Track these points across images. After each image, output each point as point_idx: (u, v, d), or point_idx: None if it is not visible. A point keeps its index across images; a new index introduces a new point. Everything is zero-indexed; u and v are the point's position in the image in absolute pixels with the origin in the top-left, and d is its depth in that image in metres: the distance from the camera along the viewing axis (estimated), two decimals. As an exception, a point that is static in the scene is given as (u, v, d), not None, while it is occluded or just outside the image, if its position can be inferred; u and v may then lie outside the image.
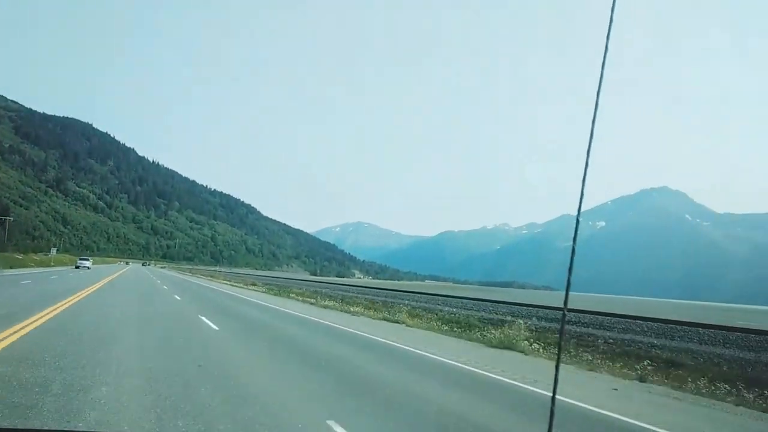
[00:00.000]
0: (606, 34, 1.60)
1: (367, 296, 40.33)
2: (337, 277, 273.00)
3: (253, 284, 54.89)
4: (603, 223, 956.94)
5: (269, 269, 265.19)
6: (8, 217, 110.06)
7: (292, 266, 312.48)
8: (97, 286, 31.25)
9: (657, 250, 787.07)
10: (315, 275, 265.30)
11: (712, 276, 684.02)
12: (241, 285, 52.92)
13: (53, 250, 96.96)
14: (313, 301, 31.57)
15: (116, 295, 25.57)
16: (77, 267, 73.83)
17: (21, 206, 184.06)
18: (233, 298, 32.10)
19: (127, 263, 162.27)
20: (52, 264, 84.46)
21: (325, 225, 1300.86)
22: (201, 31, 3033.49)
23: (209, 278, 73.26)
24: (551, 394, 1.38)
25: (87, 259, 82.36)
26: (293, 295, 36.95)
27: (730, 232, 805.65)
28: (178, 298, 27.19)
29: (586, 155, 1.44)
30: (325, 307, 27.54)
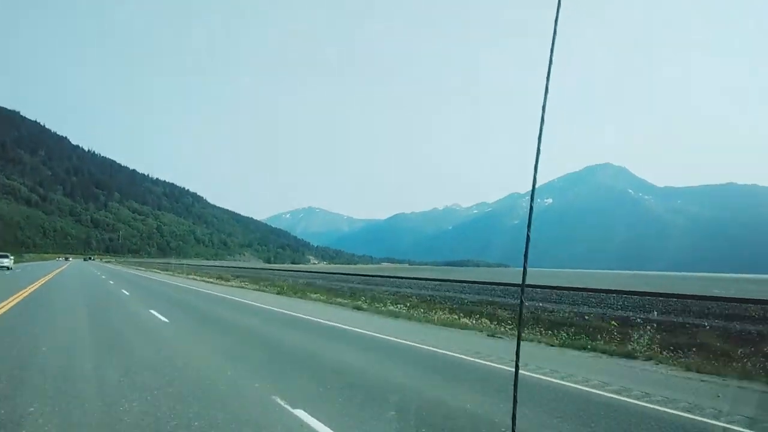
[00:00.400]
0: (554, 18, 1.61)
1: (351, 285, 33.45)
2: (292, 264, 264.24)
3: (226, 279, 45.72)
4: (550, 200, 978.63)
5: (221, 259, 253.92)
6: None
7: (244, 255, 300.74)
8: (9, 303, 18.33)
9: (602, 224, 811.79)
10: (269, 263, 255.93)
11: (653, 247, 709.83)
12: (216, 281, 43.80)
13: None
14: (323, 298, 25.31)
15: (49, 318, 14.92)
16: None
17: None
18: (249, 310, 19.60)
19: (66, 259, 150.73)
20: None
21: (275, 212, 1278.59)
22: (135, 13, 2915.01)
23: (168, 273, 62.63)
24: (514, 369, 1.43)
25: (5, 256, 59.31)
26: (317, 294, 26.89)
27: (670, 204, 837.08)
28: (160, 317, 15.73)
29: (538, 134, 1.44)
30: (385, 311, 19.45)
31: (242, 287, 34.83)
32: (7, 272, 50.86)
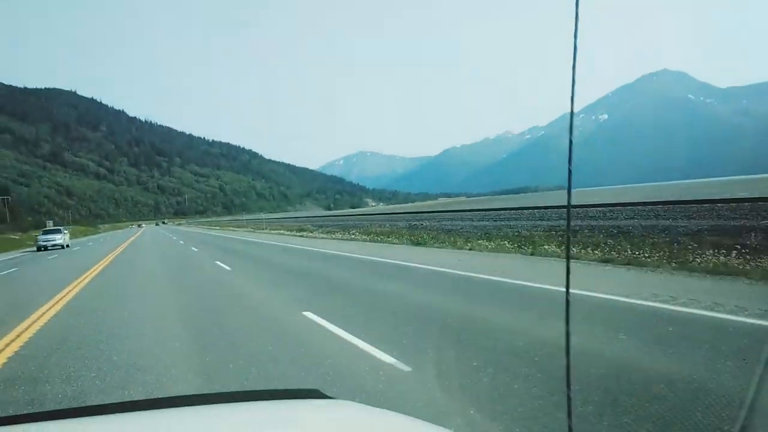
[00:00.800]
0: None
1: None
2: (351, 208, 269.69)
3: (310, 230, 42.37)
4: (605, 116, 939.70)
5: (282, 211, 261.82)
6: (6, 197, 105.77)
7: (304, 205, 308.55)
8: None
9: (663, 135, 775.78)
10: (329, 210, 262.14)
11: (719, 153, 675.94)
12: (308, 234, 39.09)
13: (49, 223, 78.09)
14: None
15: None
16: (40, 248, 41.90)
17: (21, 184, 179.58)
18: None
19: (139, 225, 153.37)
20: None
21: (327, 160, 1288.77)
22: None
23: (247, 230, 58.13)
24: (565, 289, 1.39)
25: (57, 231, 46.66)
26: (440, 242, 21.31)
27: (737, 106, 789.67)
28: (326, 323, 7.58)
29: (573, 46, 1.36)
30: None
31: (353, 239, 28.05)
32: (61, 250, 39.57)
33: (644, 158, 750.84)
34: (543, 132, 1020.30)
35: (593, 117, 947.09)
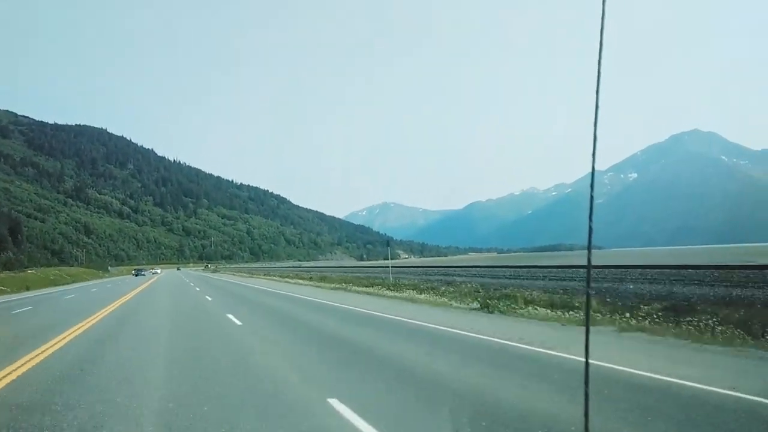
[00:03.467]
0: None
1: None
2: (384, 259, 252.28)
3: (390, 286, 27.87)
4: (635, 175, 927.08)
5: (313, 259, 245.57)
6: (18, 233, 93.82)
7: (334, 254, 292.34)
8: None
9: (695, 196, 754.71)
10: (362, 260, 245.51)
11: (757, 217, 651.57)
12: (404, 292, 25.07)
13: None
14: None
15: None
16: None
17: (36, 219, 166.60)
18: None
19: (154, 272, 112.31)
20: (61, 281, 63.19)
21: (351, 210, 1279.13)
22: (208, 24, 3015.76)
23: (296, 282, 42.67)
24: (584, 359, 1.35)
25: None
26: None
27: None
28: None
29: (595, 104, 1.33)
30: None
31: (403, 297, 22.29)
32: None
33: (675, 219, 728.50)
34: (570, 189, 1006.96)
35: (621, 176, 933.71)
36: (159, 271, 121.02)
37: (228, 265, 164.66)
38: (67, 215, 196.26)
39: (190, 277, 74.17)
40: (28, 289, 52.81)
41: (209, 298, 26.85)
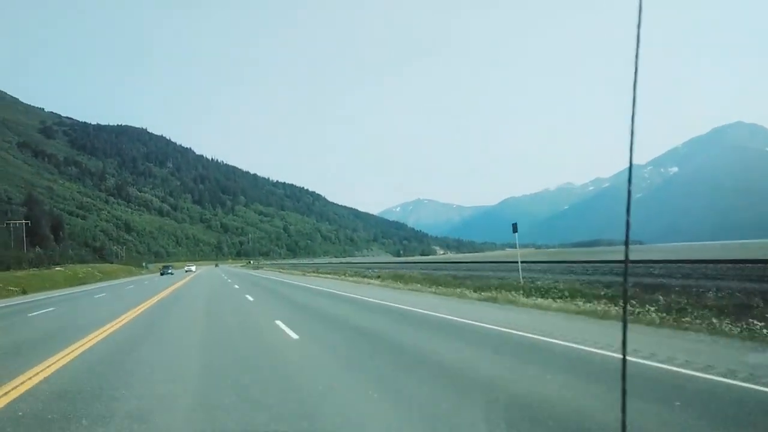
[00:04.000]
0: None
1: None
2: (421, 255, 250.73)
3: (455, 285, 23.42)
4: (676, 169, 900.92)
5: (349, 255, 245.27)
6: (26, 221, 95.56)
7: (371, 250, 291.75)
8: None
9: (739, 190, 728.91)
10: (399, 256, 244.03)
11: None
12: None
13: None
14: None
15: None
16: None
17: (78, 216, 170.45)
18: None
19: (187, 270, 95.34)
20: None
21: (385, 206, 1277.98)
22: (243, 24, 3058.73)
23: (352, 281, 36.10)
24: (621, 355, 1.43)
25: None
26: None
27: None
28: None
29: (632, 97, 1.31)
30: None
31: (464, 297, 18.92)
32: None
33: (719, 214, 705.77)
34: (608, 184, 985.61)
35: (662, 170, 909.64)
36: (194, 268, 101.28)
37: (266, 261, 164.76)
38: (108, 213, 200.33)
39: (231, 275, 59.69)
40: (24, 292, 44.43)
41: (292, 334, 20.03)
